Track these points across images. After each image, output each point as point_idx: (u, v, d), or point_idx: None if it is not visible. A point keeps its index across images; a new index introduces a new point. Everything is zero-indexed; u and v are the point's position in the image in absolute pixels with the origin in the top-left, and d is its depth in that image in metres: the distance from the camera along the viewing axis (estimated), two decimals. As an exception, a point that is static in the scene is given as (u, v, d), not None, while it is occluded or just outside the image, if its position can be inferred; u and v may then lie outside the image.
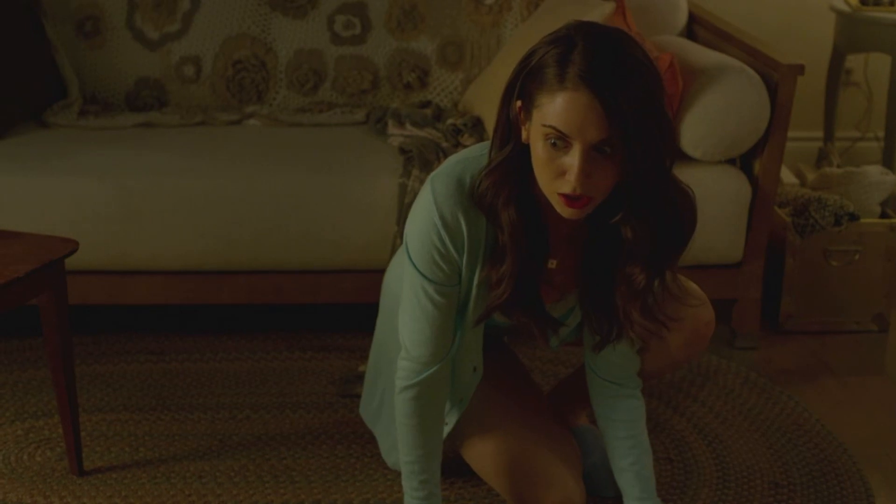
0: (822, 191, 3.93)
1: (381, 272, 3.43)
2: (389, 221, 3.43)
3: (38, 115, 3.85)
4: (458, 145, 3.64)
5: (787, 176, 4.21)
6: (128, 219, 3.43)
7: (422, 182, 3.42)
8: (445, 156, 3.53)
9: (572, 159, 2.19)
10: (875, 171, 3.96)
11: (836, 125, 4.79)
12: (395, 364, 2.63)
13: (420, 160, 3.48)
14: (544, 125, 2.19)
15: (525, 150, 2.29)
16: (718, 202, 3.54)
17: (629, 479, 2.62)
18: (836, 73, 4.73)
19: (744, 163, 3.66)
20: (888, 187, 3.93)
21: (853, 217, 3.78)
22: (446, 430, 2.64)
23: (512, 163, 2.31)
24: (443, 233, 2.38)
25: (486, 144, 2.44)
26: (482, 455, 2.66)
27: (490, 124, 3.70)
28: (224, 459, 3.02)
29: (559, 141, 2.19)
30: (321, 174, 3.49)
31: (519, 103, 2.26)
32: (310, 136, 3.77)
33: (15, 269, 2.66)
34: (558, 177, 2.22)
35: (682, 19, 4.20)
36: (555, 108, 2.18)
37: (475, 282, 2.44)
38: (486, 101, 3.82)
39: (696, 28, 4.19)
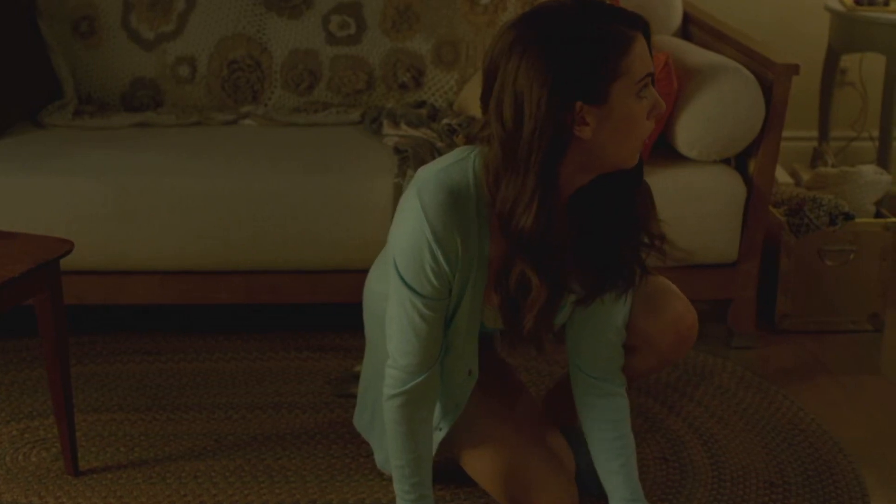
0: (817, 190, 3.93)
1: (376, 272, 3.44)
2: (385, 221, 3.43)
3: (33, 115, 3.84)
4: (452, 145, 3.64)
5: (782, 175, 4.21)
6: (124, 219, 3.43)
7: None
8: (441, 155, 3.52)
9: (650, 92, 2.29)
10: (870, 171, 3.96)
11: (830, 125, 4.80)
12: (378, 395, 2.64)
13: (415, 160, 3.48)
14: (639, 81, 2.26)
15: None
16: (714, 202, 3.55)
17: (618, 482, 2.60)
18: (831, 72, 4.73)
19: (739, 162, 3.66)
20: (883, 187, 3.94)
21: (848, 217, 3.78)
22: (441, 434, 2.64)
23: (556, 180, 2.31)
24: (435, 248, 2.36)
25: (463, 150, 2.43)
26: (478, 463, 2.65)
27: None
28: (220, 459, 3.02)
29: (649, 85, 2.29)
30: (317, 174, 3.49)
31: (580, 104, 2.24)
32: (305, 136, 3.77)
33: (10, 270, 2.66)
34: (648, 119, 2.30)
35: (677, 19, 4.20)
36: (639, 59, 2.26)
37: (468, 290, 2.43)
38: (481, 100, 3.82)
39: (691, 28, 4.19)
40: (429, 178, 2.38)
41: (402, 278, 2.41)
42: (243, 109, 3.96)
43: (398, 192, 3.43)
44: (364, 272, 3.47)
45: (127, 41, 4.05)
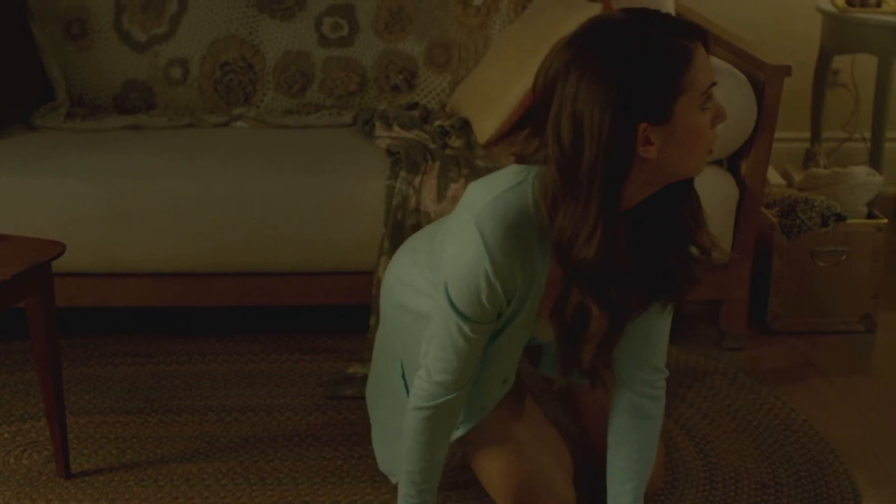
0: (809, 191, 3.94)
1: (368, 274, 3.44)
2: (377, 223, 3.43)
3: (25, 117, 3.84)
4: (445, 147, 3.64)
5: (774, 177, 4.21)
6: (116, 221, 3.43)
7: (409, 184, 3.42)
8: (433, 157, 3.53)
9: (713, 102, 2.23)
10: (862, 172, 3.96)
11: (822, 126, 4.80)
12: (386, 384, 2.66)
13: (407, 162, 3.48)
14: (703, 93, 2.20)
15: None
16: (706, 203, 3.48)
17: (625, 500, 2.59)
18: (823, 73, 4.74)
19: (731, 164, 3.66)
20: (875, 188, 3.94)
21: (840, 218, 3.78)
22: (458, 433, 2.61)
23: (619, 205, 2.24)
24: (493, 280, 2.30)
25: (518, 171, 2.33)
26: (488, 463, 2.63)
27: (482, 127, 3.70)
28: (212, 461, 3.02)
29: (712, 95, 2.22)
30: (309, 176, 3.49)
31: (644, 125, 2.17)
32: (297, 138, 3.77)
33: (1, 272, 2.66)
34: (712, 129, 2.24)
35: (669, 21, 4.20)
36: (701, 71, 2.19)
37: (523, 310, 2.40)
38: (473, 102, 3.82)
39: (683, 29, 4.19)
40: (486, 205, 2.29)
41: (451, 303, 2.36)
42: (236, 111, 3.96)
43: (390, 194, 3.42)
44: (357, 274, 3.49)
45: (119, 43, 4.05)
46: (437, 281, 2.45)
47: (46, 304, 2.79)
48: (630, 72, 2.15)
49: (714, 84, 2.22)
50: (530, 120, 2.30)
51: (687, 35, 2.19)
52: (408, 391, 2.60)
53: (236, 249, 3.48)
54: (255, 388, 3.40)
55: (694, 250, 2.40)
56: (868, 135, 4.72)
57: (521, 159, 2.33)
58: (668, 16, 2.22)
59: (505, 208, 2.29)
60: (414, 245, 2.74)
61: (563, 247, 2.25)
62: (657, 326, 2.54)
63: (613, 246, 2.23)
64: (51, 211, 3.41)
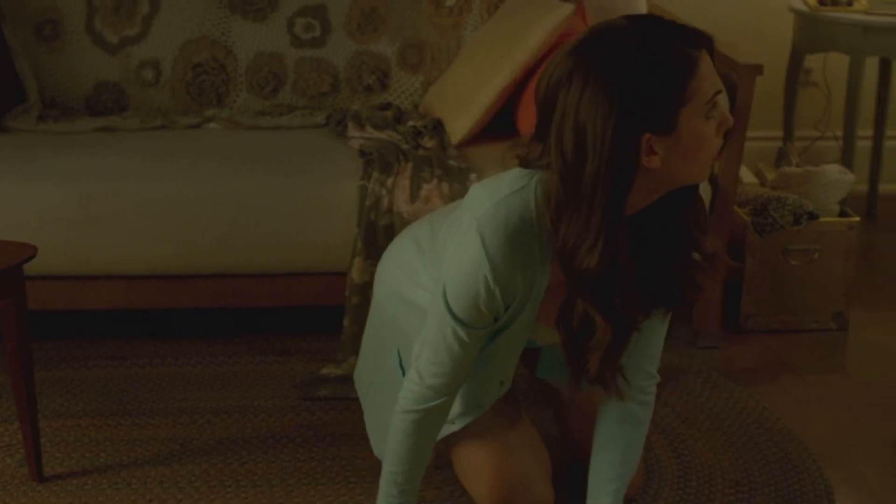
0: (781, 190, 3.95)
1: (342, 275, 3.44)
2: (350, 224, 3.43)
3: (-3, 119, 3.83)
4: (418, 147, 3.64)
5: (746, 175, 4.23)
6: (89, 223, 3.42)
7: (382, 185, 3.42)
8: (406, 158, 3.52)
9: (718, 110, 2.21)
10: (834, 171, 3.98)
11: (795, 125, 4.82)
12: (383, 373, 2.64)
13: (380, 162, 3.48)
14: (708, 101, 2.17)
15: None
16: (678, 202, 3.55)
17: (606, 501, 2.60)
18: (795, 72, 4.76)
19: (703, 163, 3.67)
20: (847, 186, 3.95)
21: (812, 216, 3.80)
22: (452, 428, 2.60)
23: (622, 215, 2.22)
24: (493, 286, 2.29)
25: (522, 174, 2.31)
26: (470, 457, 2.63)
27: (454, 127, 3.70)
28: (185, 464, 3.01)
29: (717, 103, 2.20)
30: (282, 177, 3.48)
31: (647, 136, 2.16)
32: (270, 139, 3.76)
33: (-28, 275, 2.65)
34: (717, 136, 2.22)
35: (641, 20, 4.20)
36: (706, 79, 2.17)
37: (522, 314, 2.39)
38: (446, 103, 3.82)
39: (655, 29, 4.20)
40: (487, 210, 2.28)
41: (449, 308, 2.34)
42: (208, 113, 3.95)
43: (363, 194, 3.42)
44: (330, 275, 3.49)
45: (91, 45, 4.03)
46: (436, 277, 2.44)
47: (18, 307, 2.78)
48: (633, 82, 2.13)
49: (719, 91, 2.20)
50: (536, 128, 2.28)
51: (691, 42, 2.17)
52: None
53: (209, 251, 3.47)
54: (229, 389, 3.39)
55: (696, 256, 2.39)
56: (840, 133, 4.73)
57: (524, 163, 2.31)
58: (672, 22, 2.20)
59: (507, 213, 2.27)
60: (416, 234, 2.71)
61: (567, 255, 2.25)
62: (655, 333, 2.55)
63: (616, 254, 2.22)
64: (23, 213, 3.40)
